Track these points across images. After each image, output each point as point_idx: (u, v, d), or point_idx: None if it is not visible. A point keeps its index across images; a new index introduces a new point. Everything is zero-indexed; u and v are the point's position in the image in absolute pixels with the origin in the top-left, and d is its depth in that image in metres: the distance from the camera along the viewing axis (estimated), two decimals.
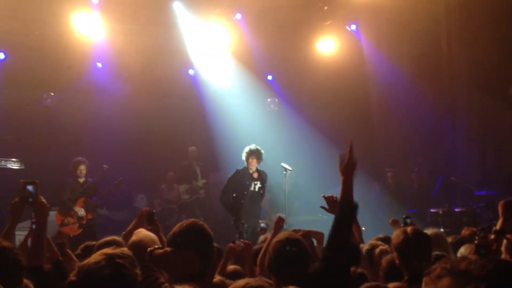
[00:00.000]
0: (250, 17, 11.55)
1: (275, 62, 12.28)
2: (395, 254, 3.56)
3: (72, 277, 2.19)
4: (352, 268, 3.46)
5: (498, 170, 11.38)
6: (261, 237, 5.47)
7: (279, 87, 12.66)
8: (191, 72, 12.28)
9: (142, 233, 3.00)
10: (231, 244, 4.22)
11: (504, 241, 3.67)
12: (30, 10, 9.95)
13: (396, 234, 3.57)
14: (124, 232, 4.35)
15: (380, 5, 11.58)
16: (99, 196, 9.12)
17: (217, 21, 11.28)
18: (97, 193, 9.16)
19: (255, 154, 8.23)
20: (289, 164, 8.71)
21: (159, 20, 11.10)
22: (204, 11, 11.20)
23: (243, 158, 8.35)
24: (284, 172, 8.59)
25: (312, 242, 4.24)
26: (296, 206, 10.84)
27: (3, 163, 9.57)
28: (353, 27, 12.35)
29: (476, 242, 3.43)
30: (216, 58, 11.86)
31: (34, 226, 3.45)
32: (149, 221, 4.21)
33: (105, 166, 9.35)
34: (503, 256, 3.52)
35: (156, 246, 2.79)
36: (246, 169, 8.32)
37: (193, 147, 11.53)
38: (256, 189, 8.30)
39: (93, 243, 4.33)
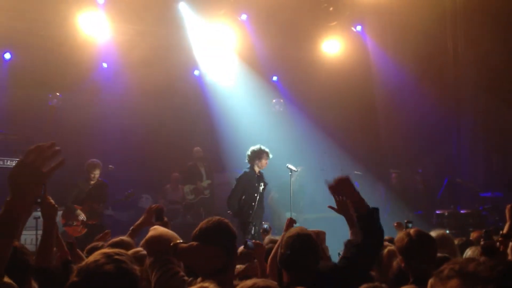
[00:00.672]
0: (255, 18, 11.55)
1: (280, 63, 12.28)
2: (399, 257, 3.55)
3: (73, 278, 2.20)
4: None
5: (504, 171, 11.34)
6: (266, 238, 5.47)
7: (284, 88, 12.67)
8: (196, 72, 12.30)
9: (160, 228, 3.03)
10: (245, 249, 4.20)
11: (511, 244, 3.66)
12: (36, 11, 9.98)
13: (399, 237, 3.56)
14: (132, 227, 4.37)
15: (385, 6, 11.55)
16: (106, 203, 9.12)
17: (222, 22, 11.28)
18: (106, 195, 9.15)
19: (267, 154, 8.23)
20: (294, 165, 8.72)
21: (164, 21, 11.11)
22: (210, 12, 11.20)
23: (252, 159, 8.28)
24: (290, 173, 8.60)
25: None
26: (302, 205, 10.84)
27: (9, 162, 9.60)
28: (359, 28, 12.34)
29: (481, 244, 3.42)
30: (221, 58, 11.87)
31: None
32: (158, 218, 4.23)
33: (110, 166, 9.38)
34: (510, 258, 3.50)
35: (179, 241, 2.83)
36: (253, 171, 8.30)
37: (198, 147, 11.54)
38: (261, 191, 8.30)
39: (100, 244, 4.33)
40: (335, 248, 4.76)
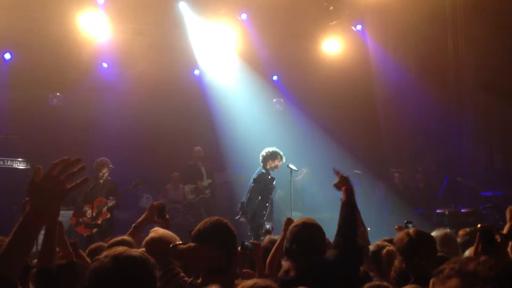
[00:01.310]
0: (255, 17, 11.54)
1: (280, 62, 12.28)
2: (400, 258, 3.54)
3: (86, 281, 2.22)
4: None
5: (505, 170, 11.33)
6: (266, 238, 5.44)
7: (285, 87, 12.66)
8: (196, 72, 12.29)
9: (161, 230, 3.04)
10: (242, 250, 4.19)
11: (511, 243, 3.65)
12: (36, 10, 9.99)
13: (399, 238, 3.55)
14: (134, 224, 4.36)
15: (385, 5, 11.55)
16: (116, 196, 9.13)
17: (222, 22, 11.27)
18: (116, 192, 9.17)
19: (281, 157, 8.25)
20: (295, 164, 8.74)
21: (164, 21, 11.12)
22: (210, 11, 11.20)
23: (266, 159, 8.28)
24: (290, 173, 8.62)
25: None
26: (301, 205, 10.85)
27: (9, 162, 9.61)
28: (359, 27, 12.33)
29: (479, 225, 3.35)
30: (222, 58, 11.87)
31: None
32: (159, 215, 4.23)
33: (110, 165, 9.36)
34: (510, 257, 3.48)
35: (178, 242, 2.84)
36: (267, 171, 8.31)
37: (198, 147, 11.54)
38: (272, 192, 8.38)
39: (102, 244, 4.31)
40: None
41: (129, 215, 10.32)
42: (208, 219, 2.95)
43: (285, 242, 3.41)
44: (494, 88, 11.25)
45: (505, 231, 3.56)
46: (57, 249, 3.52)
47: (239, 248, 4.27)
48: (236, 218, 8.14)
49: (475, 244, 3.17)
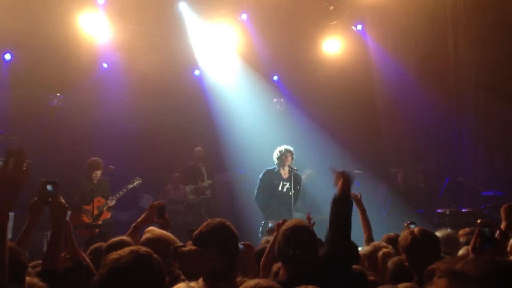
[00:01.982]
0: (255, 17, 11.54)
1: (280, 63, 12.27)
2: (403, 256, 3.54)
3: (100, 278, 2.22)
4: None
5: (505, 170, 11.31)
6: (263, 239, 5.42)
7: (285, 88, 12.65)
8: (196, 72, 12.28)
9: (157, 230, 3.02)
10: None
11: (510, 242, 3.64)
12: (37, 11, 9.98)
13: (403, 236, 3.56)
14: (134, 224, 4.35)
15: (386, 5, 11.54)
16: (115, 195, 9.09)
17: (222, 22, 11.27)
18: (110, 191, 9.15)
19: (289, 152, 8.36)
20: (295, 164, 8.75)
21: (164, 21, 11.11)
22: (210, 12, 11.20)
23: (275, 158, 8.52)
24: (290, 173, 8.61)
25: None
26: (302, 205, 10.84)
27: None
28: (359, 27, 12.32)
29: (479, 221, 3.34)
30: (222, 58, 11.86)
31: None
32: (159, 215, 4.21)
33: (111, 166, 9.35)
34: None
35: (179, 244, 2.83)
36: (275, 169, 8.40)
37: (199, 147, 11.52)
38: (284, 190, 8.38)
39: (102, 245, 4.30)
40: None
41: (129, 215, 10.31)
42: (210, 220, 2.93)
43: (276, 244, 3.34)
44: (494, 88, 11.24)
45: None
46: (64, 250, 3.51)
47: None
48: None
49: (473, 239, 3.15)
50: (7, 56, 10.76)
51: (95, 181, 8.98)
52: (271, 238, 4.98)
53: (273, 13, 11.23)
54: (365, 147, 11.93)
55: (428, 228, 3.82)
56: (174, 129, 11.87)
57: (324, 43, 12.19)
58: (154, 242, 2.87)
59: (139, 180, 9.28)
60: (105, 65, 11.39)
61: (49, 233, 8.15)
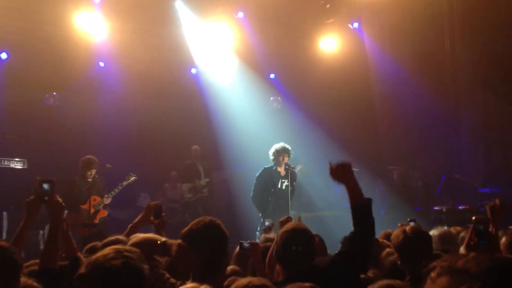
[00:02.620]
0: (252, 15, 11.53)
1: (277, 61, 12.27)
2: (396, 254, 3.53)
3: (81, 270, 2.21)
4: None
5: (503, 167, 11.34)
6: (262, 237, 5.41)
7: (282, 85, 12.65)
8: (193, 71, 12.27)
9: (140, 235, 3.03)
10: (240, 250, 4.17)
11: (503, 240, 3.65)
12: (32, 10, 9.94)
13: (395, 235, 3.54)
14: (131, 225, 4.35)
15: (382, 2, 11.54)
16: (110, 193, 9.06)
17: (219, 20, 11.26)
18: (105, 189, 9.13)
19: (286, 152, 8.31)
20: (292, 162, 8.75)
21: (161, 19, 11.09)
22: (206, 10, 11.18)
23: (271, 156, 8.43)
24: (287, 171, 8.61)
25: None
26: (297, 203, 10.86)
27: (6, 162, 9.56)
28: (356, 25, 12.32)
29: (474, 218, 3.31)
30: (218, 56, 11.85)
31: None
32: (156, 215, 4.21)
33: (108, 165, 9.32)
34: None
35: (164, 239, 2.84)
36: (273, 167, 8.40)
37: (196, 146, 11.52)
38: (283, 187, 8.37)
39: (98, 243, 4.30)
40: (331, 247, 4.74)
41: (127, 214, 10.32)
42: (201, 218, 2.94)
43: (275, 249, 3.32)
44: (492, 86, 11.27)
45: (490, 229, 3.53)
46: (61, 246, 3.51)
47: (237, 248, 4.26)
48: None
49: (467, 236, 3.15)
50: (3, 55, 10.72)
51: (89, 180, 8.94)
52: (269, 236, 4.98)
53: (269, 11, 11.22)
54: (362, 145, 11.93)
55: (425, 226, 3.83)
56: (170, 127, 11.86)
57: (321, 41, 12.19)
58: (139, 243, 2.87)
59: (134, 176, 9.18)
60: (101, 64, 11.37)
61: (43, 231, 8.15)
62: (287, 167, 8.53)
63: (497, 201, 3.67)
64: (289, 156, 8.44)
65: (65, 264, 3.49)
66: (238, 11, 11.49)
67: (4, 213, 9.39)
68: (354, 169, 3.32)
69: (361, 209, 3.19)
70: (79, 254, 3.98)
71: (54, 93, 11.06)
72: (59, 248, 3.35)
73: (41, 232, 8.58)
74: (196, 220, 2.93)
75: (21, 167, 9.65)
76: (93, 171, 8.93)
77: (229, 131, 11.72)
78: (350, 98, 12.17)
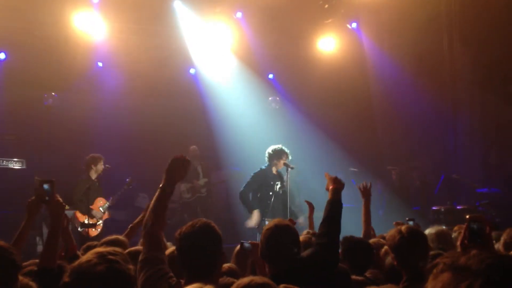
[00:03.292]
0: (251, 15, 11.53)
1: (276, 61, 12.27)
2: (391, 255, 3.53)
3: (65, 278, 2.19)
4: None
5: (501, 167, 11.36)
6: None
7: (280, 86, 12.66)
8: (192, 71, 12.27)
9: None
10: (241, 249, 4.17)
11: (502, 239, 3.66)
12: (31, 10, 9.93)
13: (391, 235, 3.53)
14: (131, 225, 4.36)
15: (380, 3, 11.55)
16: (113, 197, 9.09)
17: (217, 20, 11.26)
18: (102, 189, 9.15)
19: (285, 154, 8.25)
20: (291, 162, 8.72)
21: (159, 19, 11.08)
22: (205, 10, 11.18)
23: (271, 157, 8.30)
24: (286, 170, 8.59)
25: None
26: (297, 202, 10.85)
27: (4, 163, 9.56)
28: (354, 25, 12.33)
29: (468, 216, 3.32)
30: (217, 57, 11.85)
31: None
32: None
33: (106, 165, 9.33)
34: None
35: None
36: (270, 168, 8.33)
37: (194, 146, 11.51)
38: (277, 189, 8.35)
39: (95, 243, 4.31)
40: None
41: (125, 214, 10.31)
42: (196, 220, 2.95)
43: (260, 246, 3.36)
44: (490, 86, 11.29)
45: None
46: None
47: (237, 248, 4.26)
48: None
49: (461, 235, 3.14)
50: (2, 56, 10.71)
51: (94, 178, 8.97)
52: None
53: (268, 11, 11.23)
54: (360, 145, 11.94)
55: (423, 225, 3.83)
56: (169, 127, 11.86)
57: (319, 41, 12.20)
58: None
59: (131, 181, 9.28)
60: (100, 64, 11.36)
61: (42, 231, 8.13)
62: (285, 166, 8.51)
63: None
64: (287, 157, 8.37)
65: (65, 263, 3.49)
66: (237, 11, 11.49)
67: (3, 213, 9.40)
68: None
69: (335, 205, 3.57)
70: (78, 252, 4.00)
71: (53, 93, 11.06)
72: (58, 248, 3.35)
73: (41, 232, 8.60)
74: (190, 222, 2.95)
75: (19, 167, 9.65)
76: (99, 168, 8.96)
77: (227, 131, 11.72)
78: (349, 98, 12.18)
